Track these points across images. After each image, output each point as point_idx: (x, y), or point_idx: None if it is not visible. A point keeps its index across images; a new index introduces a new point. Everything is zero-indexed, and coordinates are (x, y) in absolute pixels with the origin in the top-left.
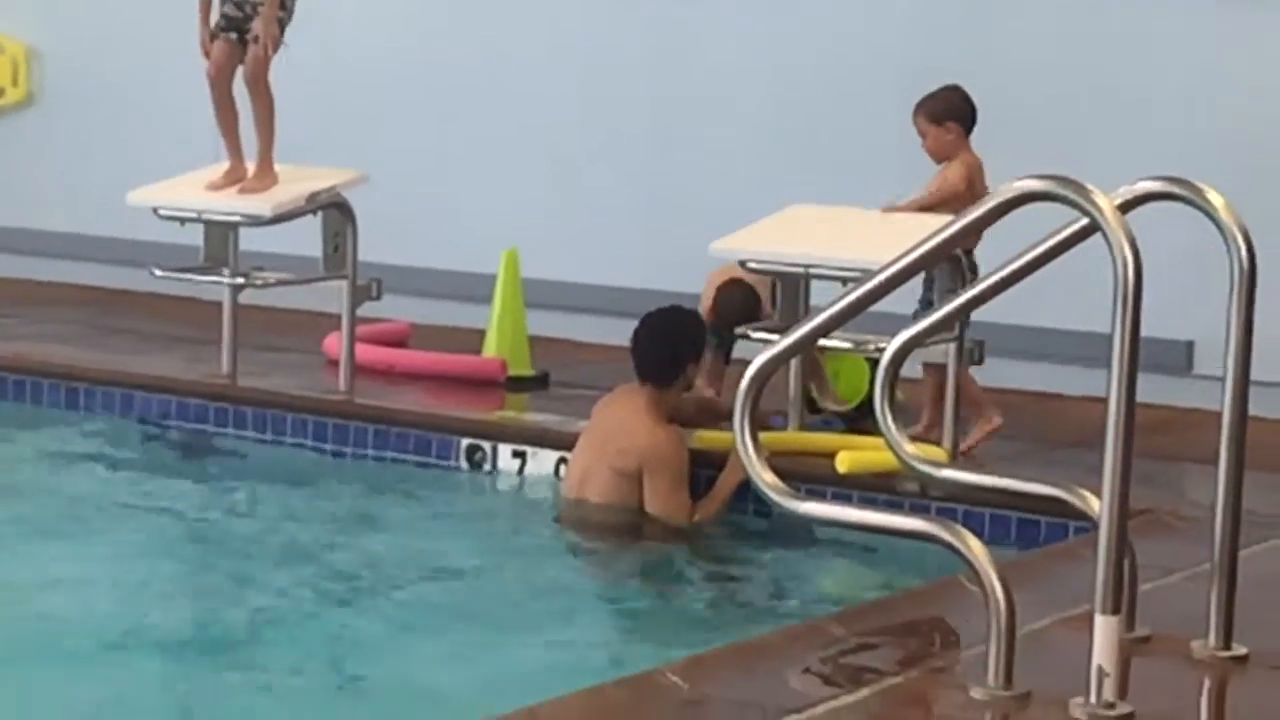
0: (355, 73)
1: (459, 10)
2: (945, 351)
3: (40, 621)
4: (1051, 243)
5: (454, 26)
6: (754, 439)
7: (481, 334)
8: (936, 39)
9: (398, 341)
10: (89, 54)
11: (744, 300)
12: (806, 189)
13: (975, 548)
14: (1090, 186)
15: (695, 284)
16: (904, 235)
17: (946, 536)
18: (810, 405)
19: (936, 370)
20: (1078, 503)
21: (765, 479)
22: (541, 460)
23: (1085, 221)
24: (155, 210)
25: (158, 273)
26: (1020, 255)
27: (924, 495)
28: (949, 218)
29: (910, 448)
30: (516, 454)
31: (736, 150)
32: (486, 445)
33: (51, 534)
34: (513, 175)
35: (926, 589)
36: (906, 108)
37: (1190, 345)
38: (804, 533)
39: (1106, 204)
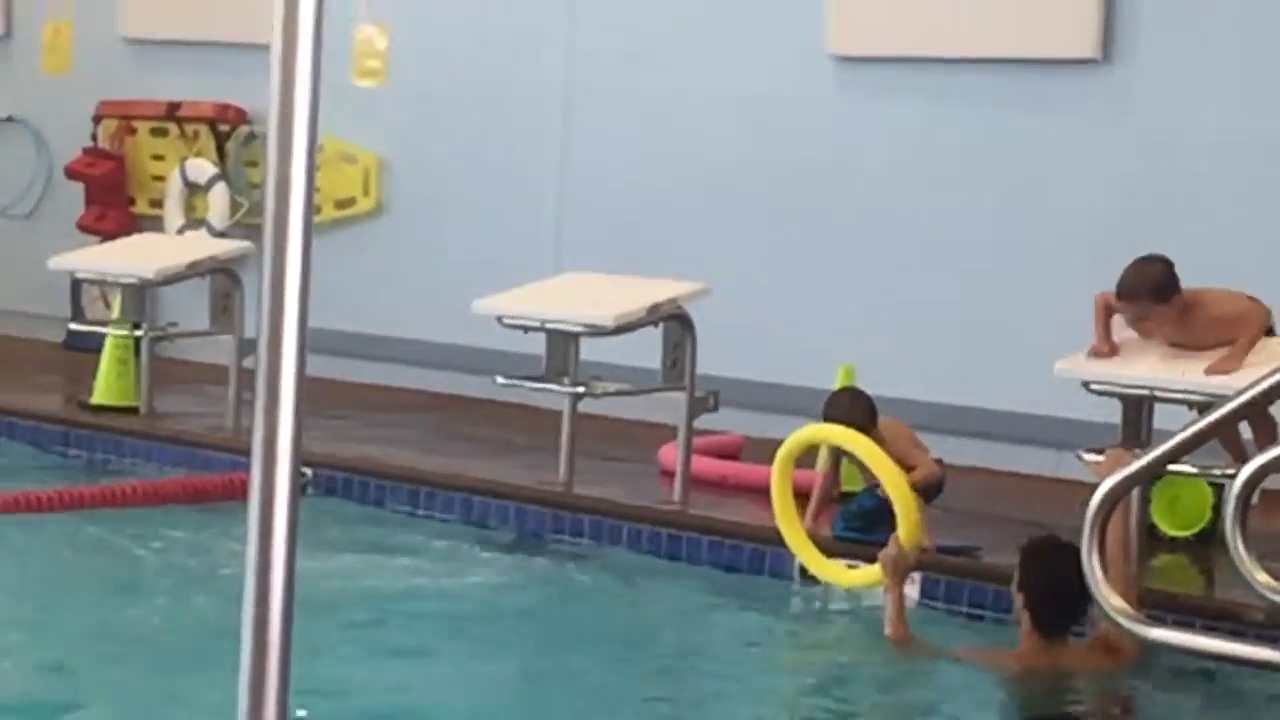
0: (694, 185)
1: (794, 124)
2: None
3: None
4: None
5: (787, 140)
6: (1101, 563)
7: (816, 449)
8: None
9: (732, 454)
10: (436, 165)
11: (851, 402)
12: None
13: None
14: None
15: (1036, 405)
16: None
17: None
18: (1150, 530)
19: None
20: None
21: (1113, 604)
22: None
23: None
24: (499, 319)
25: (500, 380)
26: None
27: (1271, 625)
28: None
29: (1262, 576)
30: (850, 568)
31: (1077, 270)
32: None
33: (391, 635)
34: (851, 289)
35: None
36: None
37: None
38: (1150, 658)
39: None
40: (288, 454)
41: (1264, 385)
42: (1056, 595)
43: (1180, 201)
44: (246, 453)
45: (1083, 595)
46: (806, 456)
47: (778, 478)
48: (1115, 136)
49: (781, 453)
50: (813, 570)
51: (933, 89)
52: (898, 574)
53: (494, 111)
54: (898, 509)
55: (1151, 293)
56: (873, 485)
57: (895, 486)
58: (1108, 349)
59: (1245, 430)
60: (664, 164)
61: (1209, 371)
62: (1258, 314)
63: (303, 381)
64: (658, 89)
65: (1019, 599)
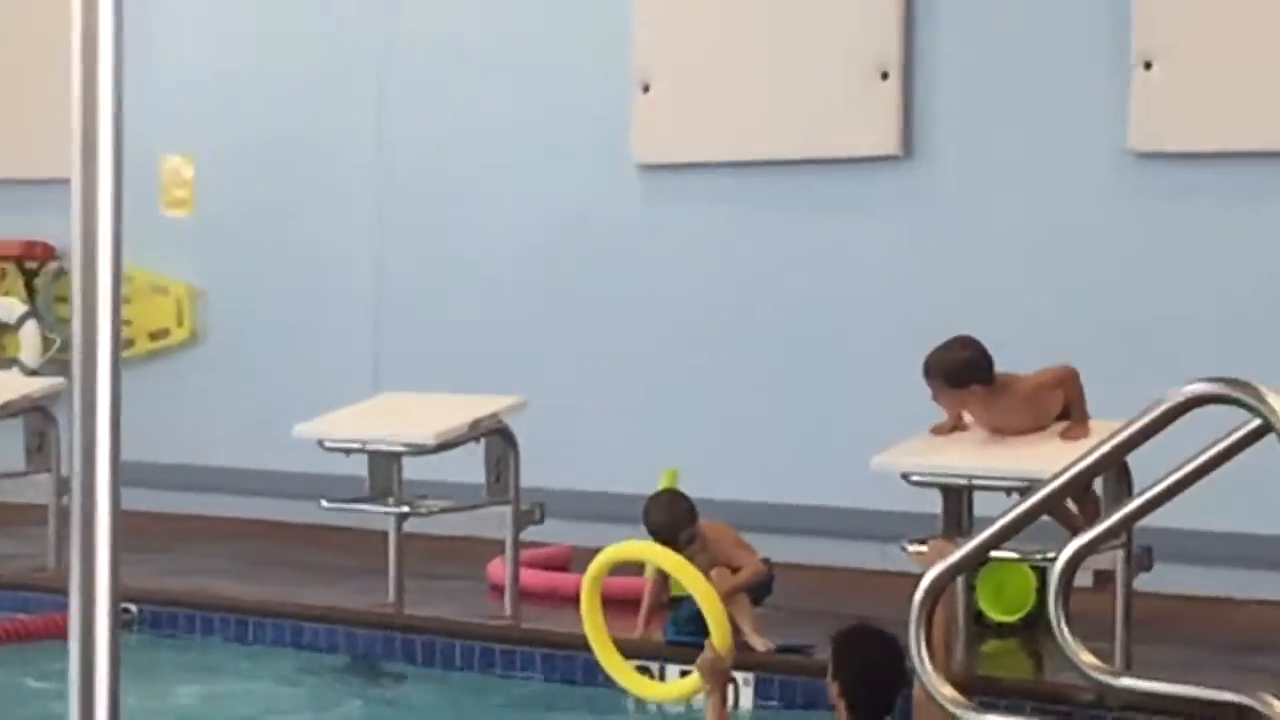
0: (508, 298)
1: (603, 232)
2: (1112, 559)
3: None
4: (1222, 446)
5: (597, 249)
6: (930, 653)
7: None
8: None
9: (560, 565)
10: (249, 292)
11: (670, 504)
12: None
13: None
14: (1263, 388)
15: (858, 499)
16: (1064, 445)
17: None
18: (978, 618)
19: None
20: (1262, 709)
21: (944, 693)
22: None
23: (1257, 424)
24: (321, 442)
25: (325, 504)
26: (1190, 460)
27: (1100, 705)
28: (1115, 424)
29: (1087, 656)
30: (684, 674)
31: (890, 364)
32: (654, 666)
33: None
34: (670, 394)
35: None
36: (1063, 327)
37: None
38: None
39: None
40: (106, 591)
41: (1077, 469)
42: (869, 682)
43: (986, 292)
44: (68, 592)
45: (896, 681)
46: (637, 564)
47: (586, 599)
48: (920, 231)
49: (589, 574)
50: (630, 690)
51: (738, 192)
52: (715, 678)
53: (305, 236)
54: (707, 615)
55: (939, 374)
56: None
57: (702, 593)
58: (948, 429)
59: None
60: (477, 280)
61: (1065, 438)
62: (1067, 373)
63: (118, 516)
64: (466, 208)
65: (833, 688)
